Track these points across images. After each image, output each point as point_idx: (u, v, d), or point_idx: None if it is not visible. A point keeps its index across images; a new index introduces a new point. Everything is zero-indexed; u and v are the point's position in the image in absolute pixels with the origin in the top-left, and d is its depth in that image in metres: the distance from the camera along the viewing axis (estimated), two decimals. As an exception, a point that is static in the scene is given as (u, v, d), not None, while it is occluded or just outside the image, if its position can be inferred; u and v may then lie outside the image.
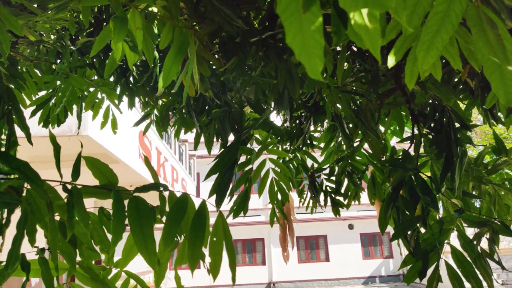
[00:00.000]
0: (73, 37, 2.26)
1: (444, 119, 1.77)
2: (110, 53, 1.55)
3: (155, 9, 1.38)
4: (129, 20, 1.22)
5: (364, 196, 2.82)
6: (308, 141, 2.41)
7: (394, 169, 1.66)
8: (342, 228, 17.88)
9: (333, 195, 2.43)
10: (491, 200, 1.95)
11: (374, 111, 2.02)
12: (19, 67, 2.12)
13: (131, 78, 2.26)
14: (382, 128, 2.39)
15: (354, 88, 2.06)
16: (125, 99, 2.31)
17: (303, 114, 2.27)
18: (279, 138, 2.28)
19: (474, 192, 2.06)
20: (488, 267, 1.40)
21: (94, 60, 2.19)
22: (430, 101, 1.89)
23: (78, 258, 1.03)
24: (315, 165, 2.51)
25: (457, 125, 1.78)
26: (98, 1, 1.43)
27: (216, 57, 1.70)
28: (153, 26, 1.47)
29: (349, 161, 2.30)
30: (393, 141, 2.51)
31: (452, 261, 1.45)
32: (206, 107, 2.07)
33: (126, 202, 0.93)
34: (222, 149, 1.72)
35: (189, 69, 1.19)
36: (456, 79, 2.05)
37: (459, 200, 1.65)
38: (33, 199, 0.84)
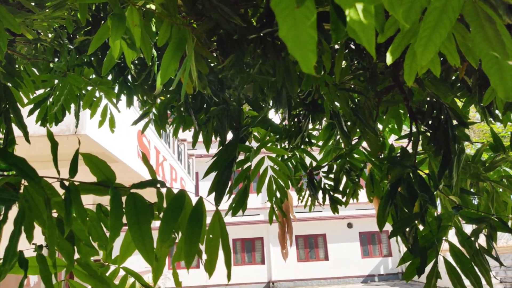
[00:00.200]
0: (71, 35, 2.25)
1: (442, 117, 1.77)
2: (108, 52, 1.55)
3: (153, 7, 1.38)
4: (127, 18, 1.22)
5: (363, 195, 2.83)
6: (307, 139, 2.41)
7: (392, 167, 1.67)
8: (341, 227, 17.90)
9: (331, 193, 2.43)
10: (489, 197, 1.96)
11: (372, 108, 2.02)
12: (17, 66, 2.12)
13: (129, 77, 2.26)
14: (380, 126, 2.39)
15: (352, 86, 2.06)
16: (123, 97, 2.31)
17: (301, 112, 2.27)
18: (277, 136, 2.29)
19: (472, 189, 2.07)
20: (486, 263, 1.41)
21: (92, 58, 2.18)
22: (428, 99, 1.89)
23: (77, 255, 1.03)
24: (314, 163, 2.51)
25: (454, 122, 1.79)
26: (95, -2, 1.43)
27: (214, 54, 1.70)
28: (151, 24, 1.47)
29: (347, 158, 2.30)
30: (391, 139, 2.52)
31: (450, 258, 1.46)
32: (205, 105, 2.07)
33: (124, 199, 0.93)
34: (221, 147, 1.72)
35: (187, 66, 1.19)
36: (453, 77, 2.05)
37: (457, 197, 1.66)
38: (30, 196, 0.84)
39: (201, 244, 0.94)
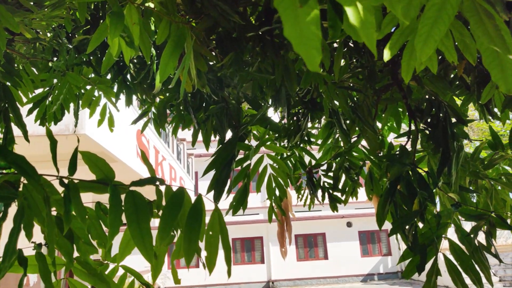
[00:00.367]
0: (70, 34, 2.25)
1: (441, 114, 1.78)
2: (107, 51, 1.55)
3: (151, 5, 1.38)
4: (126, 16, 1.22)
5: (362, 194, 2.83)
6: (306, 138, 2.41)
7: (392, 165, 1.67)
8: (341, 226, 17.91)
9: (330, 191, 2.43)
10: (488, 194, 1.96)
11: (371, 107, 2.03)
12: (16, 65, 2.11)
13: (128, 76, 2.25)
14: (379, 124, 2.40)
15: (351, 84, 2.06)
16: (122, 96, 2.31)
17: (300, 110, 2.27)
18: (276, 134, 2.29)
19: (471, 187, 2.07)
20: (485, 260, 1.41)
21: (91, 57, 2.18)
22: (427, 97, 1.90)
23: (76, 254, 1.03)
24: (313, 162, 2.51)
25: (453, 120, 1.79)
26: (94, -3, 1.43)
27: (213, 53, 1.70)
28: (150, 22, 1.47)
29: (347, 157, 2.30)
30: (390, 137, 2.52)
31: (450, 255, 1.46)
32: (204, 104, 2.07)
33: (123, 197, 0.93)
34: (220, 146, 1.72)
35: (186, 64, 1.19)
36: (452, 75, 2.05)
37: (456, 194, 1.66)
38: (29, 194, 0.84)
39: (201, 242, 0.94)
